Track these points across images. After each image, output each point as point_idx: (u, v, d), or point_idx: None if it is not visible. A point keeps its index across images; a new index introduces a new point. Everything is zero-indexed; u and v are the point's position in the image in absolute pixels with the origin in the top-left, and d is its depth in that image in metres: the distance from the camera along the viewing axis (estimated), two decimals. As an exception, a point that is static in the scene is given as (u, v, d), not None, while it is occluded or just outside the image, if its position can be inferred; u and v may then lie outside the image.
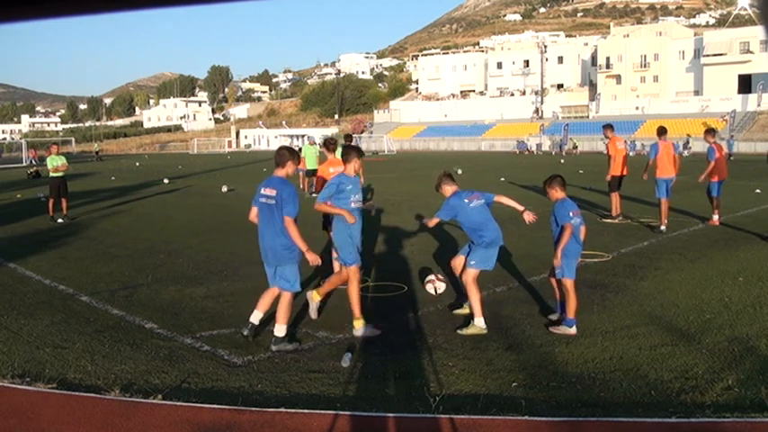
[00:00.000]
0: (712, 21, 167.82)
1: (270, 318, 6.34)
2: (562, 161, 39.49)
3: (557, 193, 5.87)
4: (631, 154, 41.53)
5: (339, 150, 8.82)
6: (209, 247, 10.57)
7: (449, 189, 6.16)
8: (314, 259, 5.29)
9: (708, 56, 67.03)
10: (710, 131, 11.83)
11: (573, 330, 5.56)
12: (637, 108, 66.20)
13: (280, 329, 5.35)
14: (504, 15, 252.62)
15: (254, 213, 5.60)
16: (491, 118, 75.76)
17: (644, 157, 46.94)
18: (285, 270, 5.37)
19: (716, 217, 11.61)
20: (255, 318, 5.58)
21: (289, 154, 5.56)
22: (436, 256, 9.25)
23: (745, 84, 63.80)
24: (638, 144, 53.69)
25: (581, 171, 27.74)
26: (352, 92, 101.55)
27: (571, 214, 5.73)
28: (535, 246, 9.62)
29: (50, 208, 14.31)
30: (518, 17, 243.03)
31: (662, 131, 11.53)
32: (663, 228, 11.00)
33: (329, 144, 8.37)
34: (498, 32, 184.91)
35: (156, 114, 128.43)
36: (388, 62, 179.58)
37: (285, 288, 5.40)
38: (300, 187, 18.90)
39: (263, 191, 5.46)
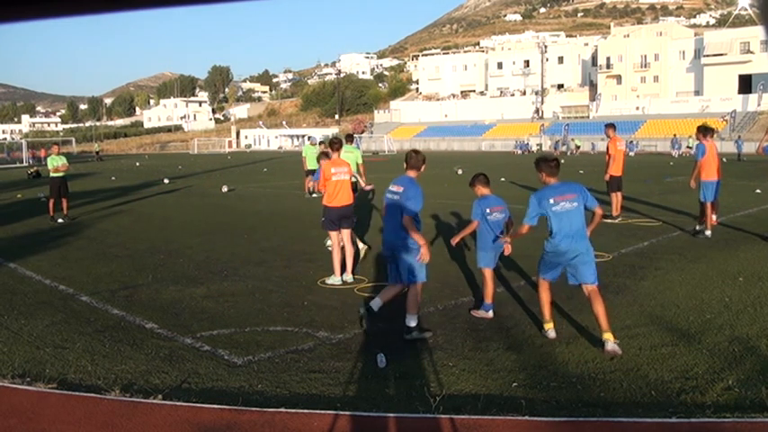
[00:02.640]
0: (712, 21, 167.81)
1: (260, 320, 6.34)
2: (562, 161, 39.48)
3: (479, 191, 6.34)
4: (631, 154, 41.70)
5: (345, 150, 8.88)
6: (209, 247, 10.57)
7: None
8: (426, 255, 5.54)
9: (708, 56, 66.98)
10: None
11: (490, 314, 6.10)
12: (637, 108, 66.18)
13: (411, 319, 5.52)
14: (505, 15, 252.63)
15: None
16: (491, 118, 75.74)
17: (646, 156, 46.51)
18: (407, 263, 5.60)
19: (714, 216, 11.58)
20: (376, 304, 5.70)
21: (423, 158, 5.95)
22: (436, 255, 9.24)
23: (746, 84, 63.74)
24: (638, 144, 53.77)
25: (581, 171, 27.74)
26: (352, 92, 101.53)
27: (488, 211, 6.17)
28: (534, 246, 9.60)
29: (51, 208, 14.32)
30: (518, 17, 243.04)
31: (708, 131, 10.76)
32: (708, 233, 10.26)
33: (333, 143, 8.38)
34: (498, 32, 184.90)
35: (156, 114, 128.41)
36: (389, 62, 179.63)
37: (411, 280, 5.62)
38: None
39: (391, 187, 5.76)
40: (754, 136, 49.44)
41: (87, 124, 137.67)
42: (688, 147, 47.97)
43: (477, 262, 6.39)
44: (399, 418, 3.95)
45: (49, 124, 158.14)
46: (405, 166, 5.92)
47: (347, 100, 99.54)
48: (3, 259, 9.61)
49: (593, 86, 77.51)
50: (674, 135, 50.86)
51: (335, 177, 7.77)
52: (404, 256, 5.61)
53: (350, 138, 12.12)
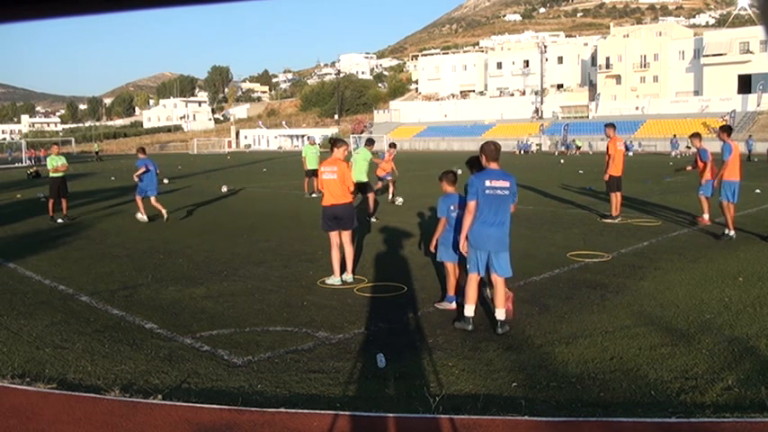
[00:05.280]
0: (712, 21, 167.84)
1: (259, 320, 6.34)
2: (562, 161, 39.50)
3: (445, 188, 6.53)
4: (630, 154, 41.67)
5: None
6: (209, 247, 10.57)
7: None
8: None
9: (708, 56, 66.96)
10: (696, 135, 11.79)
11: (453, 305, 6.37)
12: (637, 108, 66.16)
13: (500, 313, 5.67)
14: (504, 15, 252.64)
15: (473, 206, 5.80)
16: (491, 118, 75.71)
17: (645, 156, 46.43)
18: (504, 257, 5.76)
19: (706, 216, 11.56)
20: (470, 311, 5.82)
21: (500, 148, 6.06)
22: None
23: (745, 84, 63.74)
24: (635, 144, 53.73)
25: (581, 171, 27.75)
26: (352, 92, 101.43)
27: (452, 208, 6.35)
28: (535, 246, 9.64)
29: (50, 208, 14.33)
30: (518, 17, 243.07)
31: (731, 130, 10.67)
32: (732, 233, 10.07)
33: (334, 142, 8.41)
34: (498, 32, 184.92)
35: (155, 114, 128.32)
36: (388, 62, 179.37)
37: (503, 274, 5.75)
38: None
39: (491, 183, 5.74)
40: (755, 136, 49.51)
41: (87, 124, 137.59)
42: (687, 147, 47.96)
43: (438, 256, 6.60)
44: (399, 418, 3.95)
45: (48, 124, 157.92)
46: (484, 159, 5.86)
47: (347, 100, 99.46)
48: (3, 259, 9.60)
49: (592, 86, 77.50)
50: (674, 135, 50.86)
51: (323, 176, 7.86)
52: (505, 251, 5.78)
53: (370, 141, 13.31)
